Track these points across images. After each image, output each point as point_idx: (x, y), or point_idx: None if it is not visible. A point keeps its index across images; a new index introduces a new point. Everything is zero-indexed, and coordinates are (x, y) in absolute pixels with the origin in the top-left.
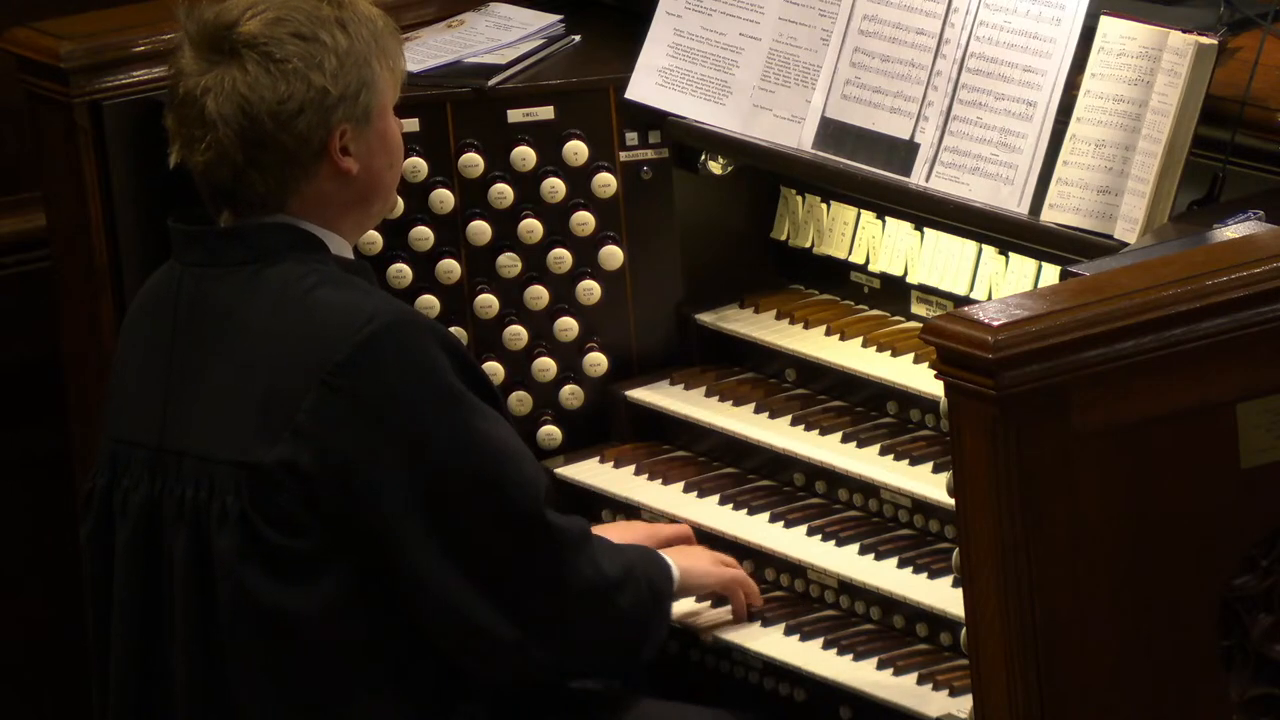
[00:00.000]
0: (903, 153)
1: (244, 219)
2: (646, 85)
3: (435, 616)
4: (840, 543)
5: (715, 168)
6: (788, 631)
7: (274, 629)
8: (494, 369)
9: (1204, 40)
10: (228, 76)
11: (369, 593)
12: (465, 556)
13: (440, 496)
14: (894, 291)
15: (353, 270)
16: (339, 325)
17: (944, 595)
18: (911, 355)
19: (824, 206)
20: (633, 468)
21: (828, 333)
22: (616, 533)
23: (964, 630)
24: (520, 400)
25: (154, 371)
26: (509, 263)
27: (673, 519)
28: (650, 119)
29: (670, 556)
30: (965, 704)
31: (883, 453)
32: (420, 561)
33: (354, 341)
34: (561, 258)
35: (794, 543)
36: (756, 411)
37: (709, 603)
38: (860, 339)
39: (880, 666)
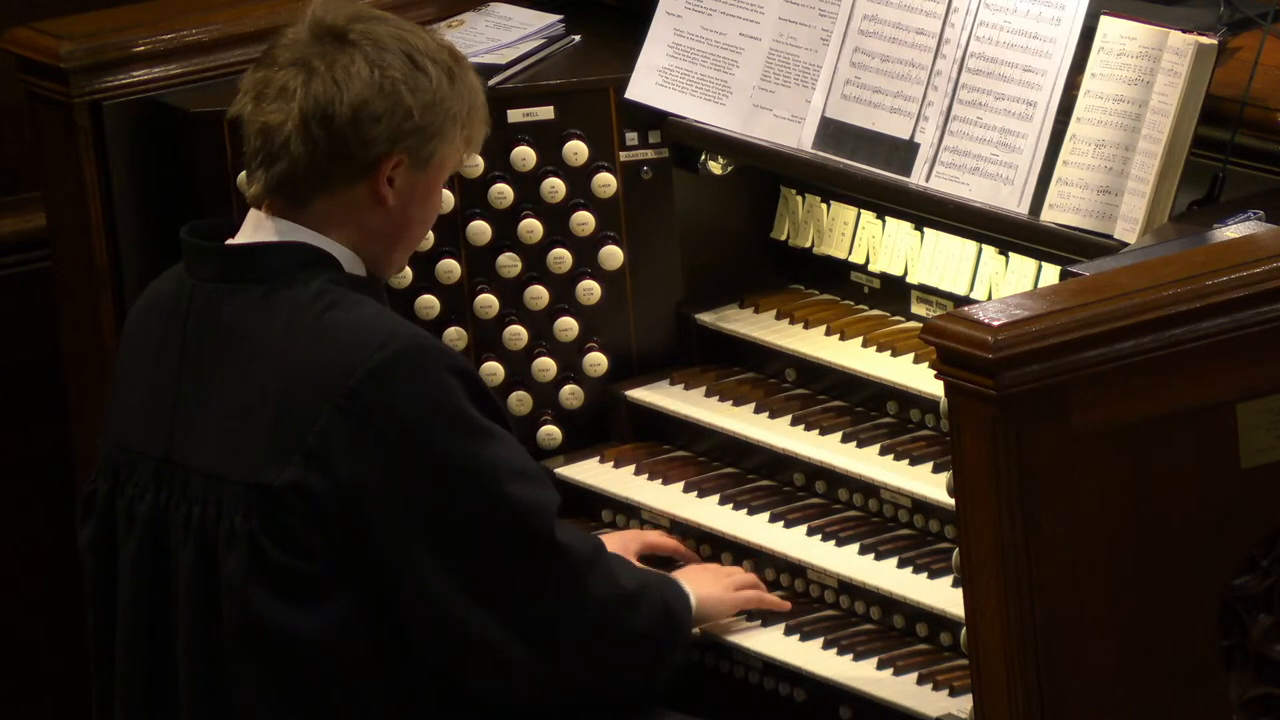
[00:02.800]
0: (903, 153)
1: (268, 193)
2: (646, 85)
3: (444, 637)
4: (840, 543)
5: (715, 168)
6: (788, 631)
7: (280, 649)
8: (494, 369)
9: (1204, 40)
10: (331, 59)
11: (376, 614)
12: (475, 578)
13: (450, 520)
14: (894, 291)
15: (364, 287)
16: (352, 349)
17: (944, 595)
18: (911, 355)
19: (824, 206)
20: (633, 468)
21: (828, 333)
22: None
23: (964, 630)
24: (520, 400)
25: (161, 382)
26: (509, 263)
27: (673, 519)
28: (650, 119)
29: (685, 584)
30: (965, 704)
31: (883, 453)
32: (429, 583)
33: (367, 366)
34: (561, 258)
35: (794, 543)
36: (756, 411)
37: None
38: (860, 339)
39: (880, 666)
